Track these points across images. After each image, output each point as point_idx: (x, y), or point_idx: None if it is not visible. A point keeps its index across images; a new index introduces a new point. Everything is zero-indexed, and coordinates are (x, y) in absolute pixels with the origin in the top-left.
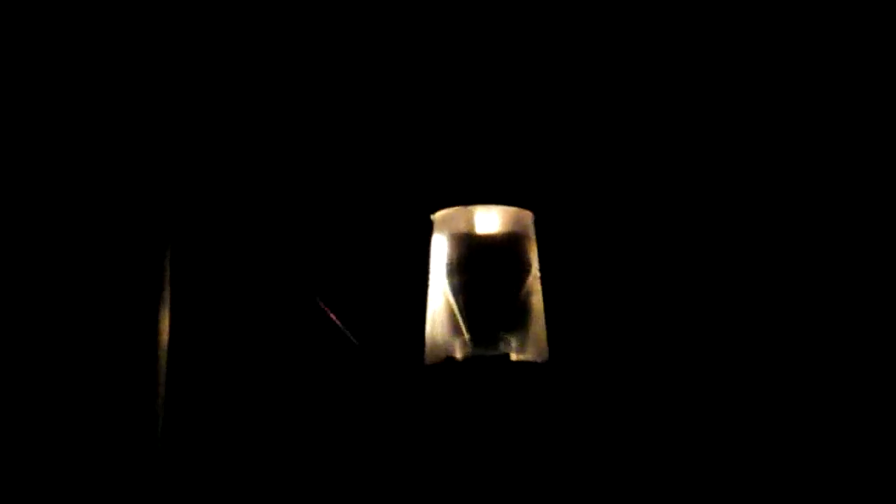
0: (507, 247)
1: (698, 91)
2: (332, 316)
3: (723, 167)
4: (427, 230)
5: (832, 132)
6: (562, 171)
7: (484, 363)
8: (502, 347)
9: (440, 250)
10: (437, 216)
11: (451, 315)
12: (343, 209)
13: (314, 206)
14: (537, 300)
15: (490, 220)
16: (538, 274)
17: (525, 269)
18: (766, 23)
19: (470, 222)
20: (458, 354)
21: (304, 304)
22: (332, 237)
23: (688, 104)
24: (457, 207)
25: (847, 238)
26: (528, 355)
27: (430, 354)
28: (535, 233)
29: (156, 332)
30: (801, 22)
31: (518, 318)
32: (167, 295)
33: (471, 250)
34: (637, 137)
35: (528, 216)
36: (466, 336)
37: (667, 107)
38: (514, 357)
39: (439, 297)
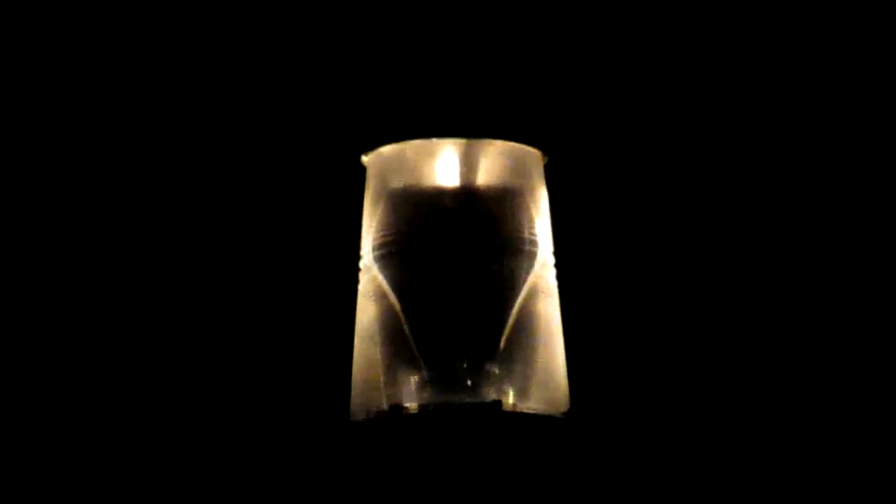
0: (494, 212)
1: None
2: None
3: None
4: (356, 182)
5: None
6: (592, 77)
7: (456, 416)
8: (488, 390)
9: (376, 219)
10: (371, 158)
11: (396, 333)
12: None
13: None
14: (548, 305)
15: (464, 164)
16: (552, 260)
17: (527, 250)
18: None
19: (428, 169)
20: (410, 401)
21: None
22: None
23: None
24: (405, 143)
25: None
26: (533, 403)
27: (360, 403)
28: (548, 188)
29: None
30: None
31: (516, 339)
32: None
33: (431, 219)
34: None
35: (533, 158)
36: (423, 370)
37: None
38: (509, 405)
39: (375, 303)
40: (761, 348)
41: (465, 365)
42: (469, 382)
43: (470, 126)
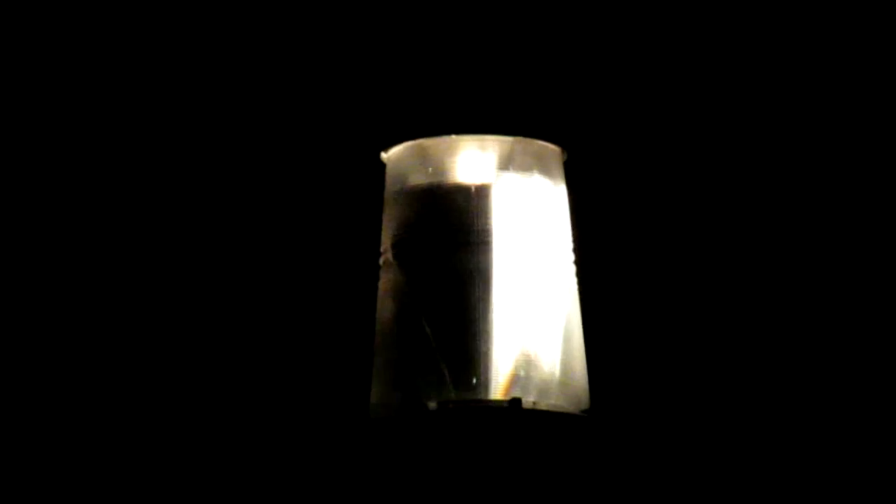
0: (513, 209)
1: None
2: None
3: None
4: (377, 180)
5: None
6: (613, 74)
7: (476, 415)
8: (507, 387)
9: (395, 216)
10: (392, 155)
11: (416, 331)
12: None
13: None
14: (569, 303)
15: (484, 160)
16: (572, 257)
17: (547, 248)
18: None
19: (449, 165)
20: (430, 399)
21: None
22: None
23: None
24: (426, 139)
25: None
26: (554, 400)
27: (379, 401)
28: (568, 186)
29: None
30: None
31: (536, 336)
32: None
33: (449, 215)
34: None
35: (554, 155)
36: (444, 368)
37: None
38: (529, 403)
39: (395, 301)
40: (782, 344)
41: (484, 362)
42: (488, 379)
43: (490, 122)
